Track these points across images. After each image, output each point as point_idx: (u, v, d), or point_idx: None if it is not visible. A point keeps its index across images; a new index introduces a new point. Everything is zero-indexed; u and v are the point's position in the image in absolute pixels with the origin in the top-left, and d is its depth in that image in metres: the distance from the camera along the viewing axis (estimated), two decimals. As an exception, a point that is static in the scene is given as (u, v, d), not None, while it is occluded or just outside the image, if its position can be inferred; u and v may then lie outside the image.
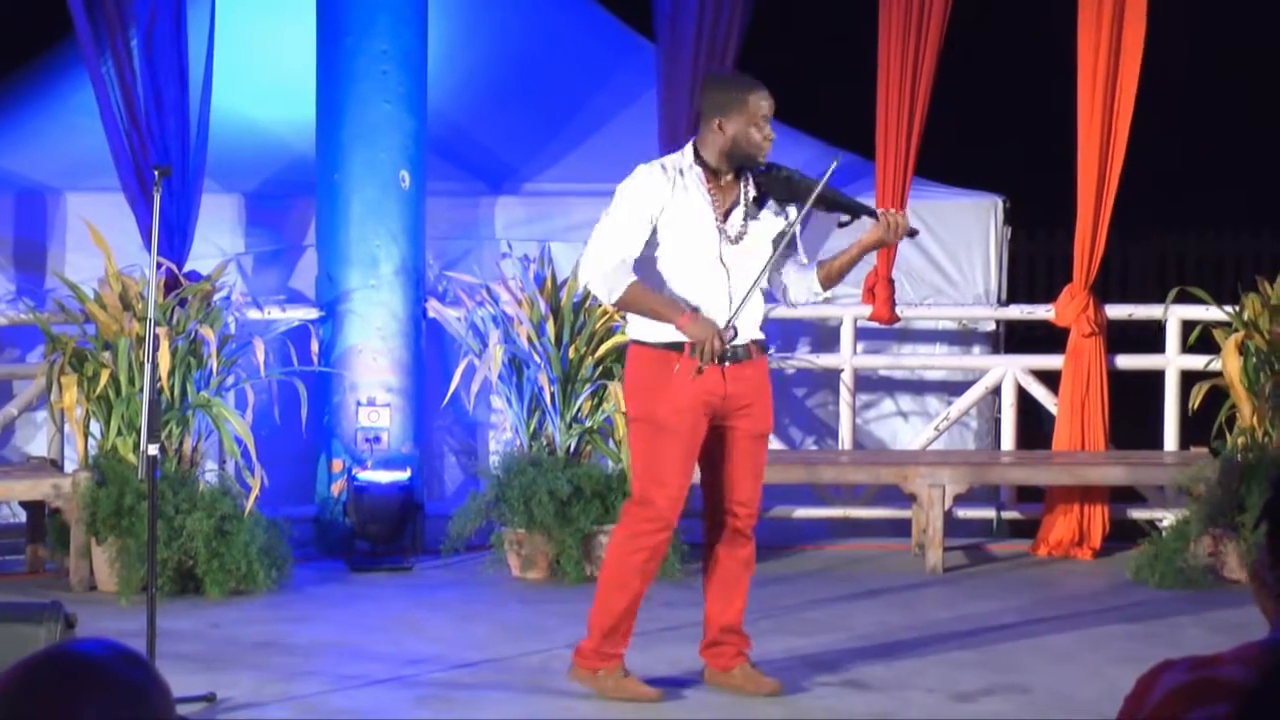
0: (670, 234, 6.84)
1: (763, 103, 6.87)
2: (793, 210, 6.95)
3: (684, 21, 9.63)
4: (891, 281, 9.88)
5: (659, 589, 8.21)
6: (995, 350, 10.35)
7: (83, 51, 9.21)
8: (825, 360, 10.08)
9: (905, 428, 10.33)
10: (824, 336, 10.20)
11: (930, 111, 9.74)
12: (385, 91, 9.48)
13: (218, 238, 9.74)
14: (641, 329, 6.91)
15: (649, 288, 6.80)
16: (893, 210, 7.01)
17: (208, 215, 9.39)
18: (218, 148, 9.41)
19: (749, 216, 6.89)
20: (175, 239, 9.15)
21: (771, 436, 9.83)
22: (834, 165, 6.86)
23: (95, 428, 8.86)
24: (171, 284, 9.04)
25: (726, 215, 6.88)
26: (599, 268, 6.80)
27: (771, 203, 6.93)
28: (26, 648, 5.27)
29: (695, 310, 6.81)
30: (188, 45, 9.21)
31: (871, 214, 6.93)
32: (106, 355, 8.75)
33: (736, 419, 6.94)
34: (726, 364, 6.83)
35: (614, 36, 11.02)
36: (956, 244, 10.33)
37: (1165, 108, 12.67)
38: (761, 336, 7.03)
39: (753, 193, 6.91)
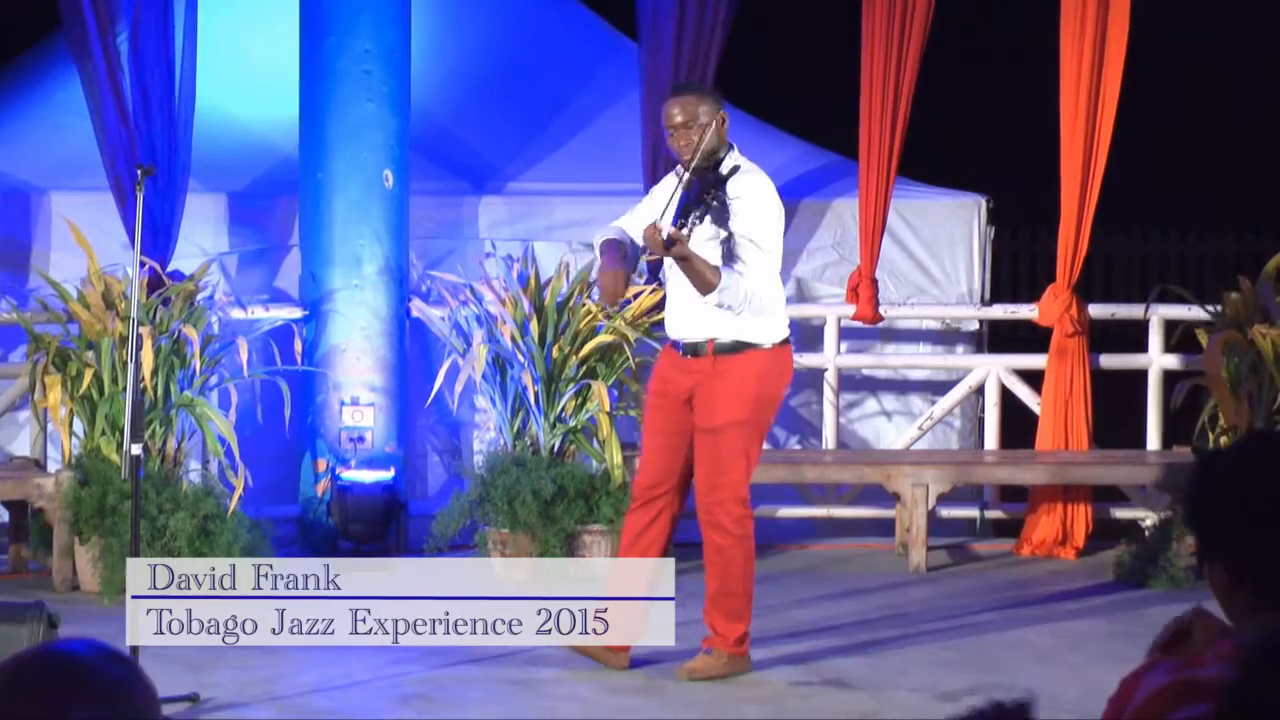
0: None
1: (670, 110, 7.12)
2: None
3: (665, 21, 9.63)
4: (875, 281, 9.88)
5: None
6: (979, 350, 10.35)
7: (74, 49, 9.20)
8: (809, 359, 10.07)
9: (889, 427, 10.34)
10: (808, 336, 10.19)
11: (913, 111, 9.74)
12: (368, 91, 9.47)
13: (201, 237, 9.73)
14: None
15: (612, 243, 7.19)
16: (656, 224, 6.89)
17: (191, 215, 9.38)
18: (202, 147, 9.40)
19: (697, 219, 6.90)
20: (159, 238, 9.14)
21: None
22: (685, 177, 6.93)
23: (78, 427, 8.84)
24: (155, 283, 9.03)
25: (678, 214, 6.94)
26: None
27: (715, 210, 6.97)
28: (10, 648, 5.27)
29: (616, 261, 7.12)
30: (174, 43, 9.20)
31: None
32: (90, 355, 8.74)
33: (694, 412, 7.21)
34: (682, 352, 7.20)
35: (597, 36, 11.01)
36: (940, 244, 10.33)
37: (1148, 107, 12.68)
38: (725, 337, 7.13)
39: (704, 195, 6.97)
